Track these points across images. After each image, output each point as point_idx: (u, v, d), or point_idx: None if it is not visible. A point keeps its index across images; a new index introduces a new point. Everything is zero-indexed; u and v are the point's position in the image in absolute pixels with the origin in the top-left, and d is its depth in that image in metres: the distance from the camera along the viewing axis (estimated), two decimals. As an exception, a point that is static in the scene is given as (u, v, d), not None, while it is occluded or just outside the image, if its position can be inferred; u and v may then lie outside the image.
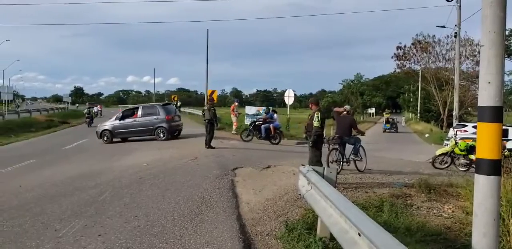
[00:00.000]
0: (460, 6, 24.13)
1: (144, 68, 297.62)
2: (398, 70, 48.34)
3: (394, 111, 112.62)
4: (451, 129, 21.29)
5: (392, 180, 8.64)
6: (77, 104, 79.30)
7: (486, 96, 3.42)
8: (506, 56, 34.79)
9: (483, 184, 3.43)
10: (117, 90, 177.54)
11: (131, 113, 20.32)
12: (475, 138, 3.88)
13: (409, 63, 44.63)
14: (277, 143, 18.30)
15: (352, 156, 9.96)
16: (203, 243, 5.19)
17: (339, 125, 10.12)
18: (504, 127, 3.56)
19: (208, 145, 14.30)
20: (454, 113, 25.66)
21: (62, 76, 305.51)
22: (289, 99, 26.37)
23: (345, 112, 10.29)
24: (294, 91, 28.41)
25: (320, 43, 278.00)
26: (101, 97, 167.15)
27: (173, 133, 19.41)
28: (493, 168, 3.39)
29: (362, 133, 10.69)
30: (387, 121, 44.60)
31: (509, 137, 17.20)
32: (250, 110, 26.71)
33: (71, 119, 43.39)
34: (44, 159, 15.16)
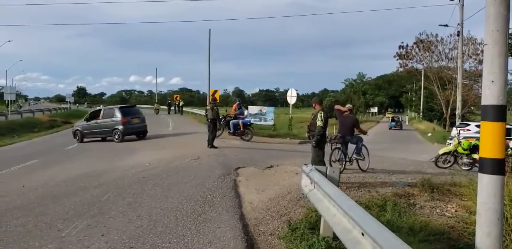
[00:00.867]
0: (462, 5, 24.09)
1: (146, 68, 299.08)
2: (400, 69, 48.13)
3: (396, 110, 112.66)
4: (454, 128, 21.24)
5: (395, 180, 8.63)
6: (77, 104, 79.48)
7: (490, 95, 3.40)
8: (510, 54, 34.47)
9: (486, 183, 3.42)
10: (119, 90, 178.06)
11: (96, 115, 21.05)
12: (478, 137, 3.86)
13: (412, 62, 44.49)
14: (248, 140, 18.17)
15: (354, 156, 9.94)
16: (206, 242, 5.19)
17: (341, 124, 10.10)
18: (507, 126, 3.51)
19: (211, 144, 14.30)
20: (457, 112, 25.61)
21: (65, 76, 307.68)
22: (291, 99, 26.35)
23: (348, 112, 10.28)
24: (296, 90, 28.39)
25: (323, 42, 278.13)
26: (103, 97, 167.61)
27: (130, 135, 19.86)
28: (497, 167, 3.38)
29: (365, 133, 10.67)
30: (393, 120, 50.63)
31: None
32: (252, 109, 26.69)
33: (74, 119, 43.44)
34: (47, 159, 15.19)
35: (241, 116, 18.95)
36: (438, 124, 48.63)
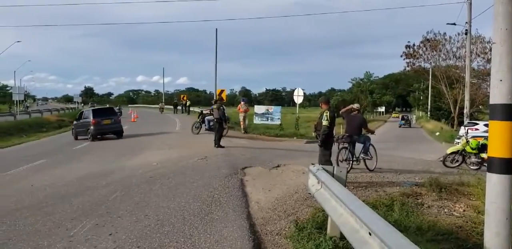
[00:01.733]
0: (471, 3, 23.94)
1: (153, 68, 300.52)
2: (408, 69, 47.94)
3: (404, 109, 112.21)
4: (462, 127, 21.11)
5: (403, 179, 8.59)
6: (82, 104, 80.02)
7: (498, 94, 3.39)
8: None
9: (495, 183, 3.40)
10: (127, 90, 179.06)
11: (80, 115, 23.04)
12: (487, 136, 3.84)
13: (419, 62, 44.29)
14: (224, 135, 17.94)
15: (362, 155, 9.91)
16: (213, 242, 5.20)
17: (349, 123, 10.07)
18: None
19: (217, 144, 14.32)
20: (465, 111, 25.45)
21: (72, 77, 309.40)
22: (298, 98, 26.28)
23: (355, 112, 10.26)
24: (303, 90, 28.32)
25: (329, 41, 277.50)
26: (111, 97, 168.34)
27: (101, 135, 21.25)
28: (506, 166, 3.36)
29: (372, 132, 10.63)
30: (403, 118, 56.37)
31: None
32: (259, 109, 26.68)
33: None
34: (55, 158, 15.29)
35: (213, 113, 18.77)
36: (446, 123, 48.38)
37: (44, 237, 5.71)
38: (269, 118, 25.70)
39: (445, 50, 40.68)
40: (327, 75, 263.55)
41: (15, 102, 46.96)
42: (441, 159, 12.17)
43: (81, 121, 22.14)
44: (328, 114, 8.42)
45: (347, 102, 70.60)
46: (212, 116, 18.83)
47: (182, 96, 55.22)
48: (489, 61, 33.21)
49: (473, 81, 34.13)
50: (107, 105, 54.72)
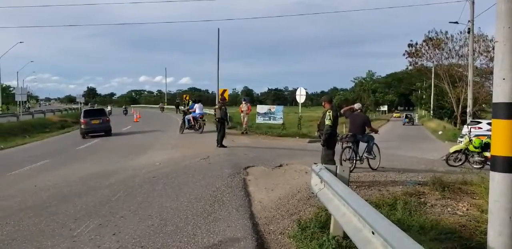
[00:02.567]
0: (473, 2, 23.87)
1: (156, 68, 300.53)
2: (410, 67, 47.87)
3: (406, 108, 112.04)
4: (465, 126, 21.07)
5: (406, 178, 8.58)
6: (82, 104, 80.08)
7: (501, 92, 3.37)
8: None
9: (498, 182, 3.39)
10: (129, 90, 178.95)
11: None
12: (490, 135, 3.83)
13: (421, 60, 44.20)
14: (200, 132, 20.69)
15: (365, 154, 9.91)
16: (217, 241, 5.21)
17: (352, 123, 10.07)
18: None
19: (220, 144, 14.33)
20: (468, 110, 25.43)
21: (75, 77, 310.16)
22: (300, 98, 26.25)
23: (358, 110, 10.26)
24: (305, 89, 28.26)
25: (332, 41, 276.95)
26: (113, 97, 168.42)
27: (90, 133, 23.11)
28: (509, 165, 3.35)
29: (376, 131, 10.62)
30: (406, 117, 59.53)
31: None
32: (261, 109, 26.66)
33: (85, 119, 43.71)
34: (58, 159, 15.33)
35: (191, 110, 21.83)
36: (448, 122, 48.28)
37: (48, 237, 5.72)
38: (271, 117, 25.68)
39: (448, 49, 40.62)
40: (330, 74, 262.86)
41: (17, 103, 47.12)
42: (444, 158, 12.16)
43: (81, 120, 24.09)
44: (331, 113, 8.41)
45: (350, 101, 70.70)
46: (189, 115, 21.39)
47: (184, 96, 55.33)
48: (492, 59, 33.11)
49: (476, 79, 34.09)
50: (108, 106, 55.00)
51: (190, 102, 48.66)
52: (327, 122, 8.37)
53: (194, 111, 21.54)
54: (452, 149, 11.97)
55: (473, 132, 15.46)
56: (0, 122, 30.58)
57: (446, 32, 40.14)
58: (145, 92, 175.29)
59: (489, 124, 16.15)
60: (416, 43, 42.64)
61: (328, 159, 8.41)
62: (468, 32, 25.26)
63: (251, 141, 17.66)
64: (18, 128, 29.76)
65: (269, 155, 12.43)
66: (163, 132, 23.49)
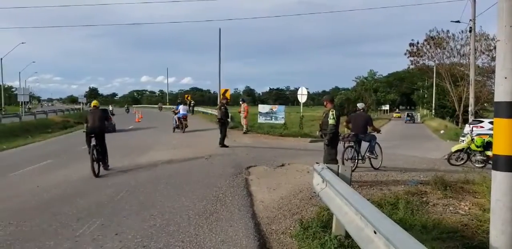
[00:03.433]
0: (475, 0, 23.81)
1: (158, 68, 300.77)
2: (411, 67, 47.81)
3: (408, 107, 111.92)
4: (467, 125, 21.03)
5: (407, 178, 8.58)
6: (84, 104, 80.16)
7: (503, 91, 3.37)
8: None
9: (500, 181, 3.39)
10: (131, 90, 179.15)
11: None
12: (492, 134, 3.83)
13: (423, 59, 44.15)
14: (183, 132, 22.00)
15: (367, 154, 9.91)
16: (219, 241, 5.22)
17: (354, 122, 10.07)
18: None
19: (222, 144, 14.35)
20: (469, 109, 25.34)
21: (77, 77, 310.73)
22: (302, 97, 26.23)
23: (361, 110, 10.26)
24: (307, 88, 28.20)
25: (333, 40, 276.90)
26: (115, 98, 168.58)
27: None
28: (511, 164, 3.35)
29: (378, 131, 10.61)
30: (408, 115, 64.05)
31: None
32: (263, 108, 26.66)
33: (87, 119, 43.82)
34: (60, 159, 15.34)
35: (176, 111, 23.76)
36: (450, 121, 48.22)
37: (50, 237, 5.73)
38: (273, 117, 25.68)
39: (449, 48, 40.57)
40: (331, 74, 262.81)
41: (20, 104, 47.25)
42: (446, 157, 12.14)
43: None
44: (334, 112, 8.42)
45: (351, 101, 70.68)
46: (176, 116, 22.94)
47: (186, 96, 55.47)
48: (493, 58, 33.05)
49: (477, 78, 34.00)
50: (109, 106, 55.25)
51: (192, 102, 49.13)
52: (331, 121, 8.38)
53: (179, 112, 23.04)
54: (454, 148, 11.95)
55: (475, 131, 15.44)
56: (3, 123, 30.65)
57: (448, 31, 40.14)
58: (147, 92, 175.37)
59: (491, 123, 16.16)
60: (418, 42, 42.65)
61: (331, 159, 8.41)
62: (470, 31, 25.19)
63: (253, 141, 17.67)
64: (20, 129, 29.79)
65: (271, 154, 12.43)
66: (164, 132, 23.51)
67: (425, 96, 72.58)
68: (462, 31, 37.30)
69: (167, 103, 62.50)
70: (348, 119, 10.43)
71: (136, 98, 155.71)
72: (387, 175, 8.82)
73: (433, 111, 60.88)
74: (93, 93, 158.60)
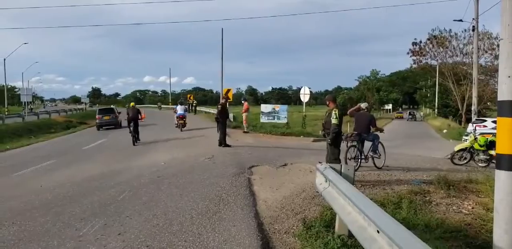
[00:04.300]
0: (477, -1, 23.72)
1: (160, 68, 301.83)
2: (414, 66, 47.74)
3: (411, 106, 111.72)
4: (470, 124, 20.96)
5: (410, 177, 8.56)
6: (87, 104, 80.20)
7: (506, 90, 3.36)
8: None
9: (504, 180, 3.38)
10: (134, 90, 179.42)
11: None
12: (495, 133, 3.82)
13: (426, 59, 44.06)
14: (181, 130, 23.22)
15: (370, 153, 9.89)
16: (222, 241, 5.22)
17: (357, 122, 10.05)
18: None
19: (223, 143, 14.30)
20: (473, 108, 25.23)
21: (80, 78, 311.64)
22: (304, 97, 26.24)
23: (365, 110, 10.23)
24: (309, 88, 28.22)
25: (335, 39, 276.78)
26: (118, 98, 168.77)
27: (103, 126, 29.44)
28: (514, 163, 3.34)
29: (381, 130, 10.59)
30: (410, 114, 67.01)
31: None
32: (265, 108, 26.67)
33: (89, 119, 44.03)
34: (64, 159, 15.39)
35: (174, 111, 25.23)
36: (453, 120, 48.13)
37: (54, 237, 5.76)
38: (275, 117, 25.71)
39: (452, 47, 40.48)
40: (333, 73, 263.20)
41: (23, 104, 47.44)
42: (449, 156, 12.10)
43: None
44: (337, 112, 8.41)
45: (354, 100, 70.58)
46: (175, 115, 24.47)
47: (188, 95, 55.59)
48: (496, 57, 32.99)
49: (480, 77, 33.93)
50: (111, 106, 55.53)
51: (194, 102, 49.27)
52: (334, 120, 8.36)
53: (177, 112, 24.47)
54: (457, 148, 11.91)
55: (478, 130, 15.37)
56: (6, 123, 30.75)
57: (450, 30, 40.08)
58: (150, 92, 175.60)
59: (494, 122, 16.10)
60: (420, 42, 42.57)
61: (334, 158, 8.40)
62: (473, 30, 25.08)
63: (255, 141, 17.66)
64: (23, 129, 29.92)
65: (273, 154, 12.43)
66: (166, 131, 23.56)
67: (428, 95, 72.49)
68: (465, 30, 37.30)
69: (170, 103, 62.74)
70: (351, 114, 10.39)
71: (139, 98, 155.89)
72: (390, 175, 8.81)
73: (436, 110, 60.78)
74: (96, 93, 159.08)
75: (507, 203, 3.34)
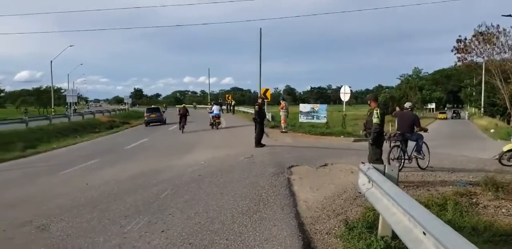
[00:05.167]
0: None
1: (200, 69, 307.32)
2: (459, 64, 46.14)
3: (455, 105, 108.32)
4: (519, 123, 20.13)
5: (456, 178, 8.31)
6: (125, 105, 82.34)
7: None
8: None
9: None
10: (174, 91, 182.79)
11: None
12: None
13: (471, 56, 42.49)
14: (217, 128, 25.11)
15: (414, 153, 9.67)
16: (263, 240, 5.22)
17: (400, 121, 9.84)
18: None
19: (258, 144, 14.30)
20: (522, 107, 24.20)
21: (123, 79, 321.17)
22: (345, 96, 25.84)
23: (409, 109, 10.03)
24: (350, 87, 27.78)
25: (376, 37, 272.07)
26: (159, 98, 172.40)
27: (151, 123, 33.70)
28: None
29: (425, 130, 10.32)
30: (454, 112, 69.52)
31: None
32: (304, 107, 26.51)
33: (132, 119, 45.28)
34: (107, 158, 15.84)
35: (210, 111, 27.44)
36: (501, 119, 46.30)
37: (100, 234, 5.93)
38: (314, 116, 25.53)
39: (500, 43, 38.86)
40: (374, 72, 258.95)
41: (69, 104, 49.27)
42: (497, 157, 11.66)
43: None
44: (378, 111, 8.26)
45: (396, 99, 69.09)
46: (210, 115, 26.32)
47: (227, 95, 56.19)
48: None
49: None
50: (152, 106, 57.06)
51: (232, 102, 49.73)
52: (375, 120, 8.22)
53: (213, 111, 25.97)
54: (505, 148, 11.47)
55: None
56: (53, 123, 31.98)
57: (498, 25, 38.47)
58: (189, 93, 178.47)
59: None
60: (465, 38, 41.11)
61: (376, 159, 8.26)
62: (522, 25, 24.06)
63: (294, 141, 17.60)
64: (69, 129, 31.01)
65: (313, 154, 12.34)
66: (205, 131, 23.87)
67: (473, 94, 70.07)
68: (514, 26, 35.67)
69: (208, 103, 63.97)
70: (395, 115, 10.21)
71: (179, 98, 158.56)
72: (434, 176, 8.57)
73: (482, 109, 58.66)
74: (138, 94, 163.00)
75: None
